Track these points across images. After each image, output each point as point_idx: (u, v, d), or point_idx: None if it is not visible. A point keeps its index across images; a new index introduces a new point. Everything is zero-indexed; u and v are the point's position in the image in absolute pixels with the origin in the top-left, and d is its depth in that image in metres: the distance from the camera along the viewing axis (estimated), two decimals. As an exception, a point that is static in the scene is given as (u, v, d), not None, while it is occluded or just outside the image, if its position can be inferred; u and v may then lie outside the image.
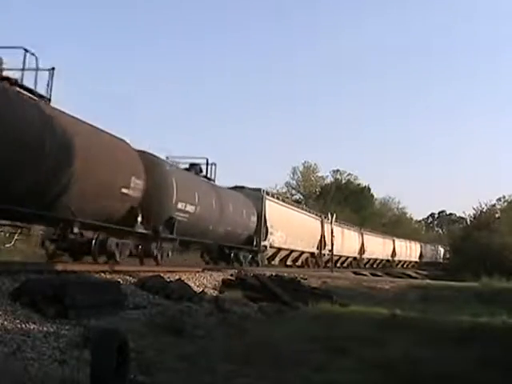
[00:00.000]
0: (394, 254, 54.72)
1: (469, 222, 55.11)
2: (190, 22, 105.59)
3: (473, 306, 15.43)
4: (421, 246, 65.94)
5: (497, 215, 51.42)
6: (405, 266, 59.14)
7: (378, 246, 50.26)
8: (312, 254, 34.43)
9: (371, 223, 58.30)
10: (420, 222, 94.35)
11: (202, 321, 9.71)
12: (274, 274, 18.16)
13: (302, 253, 32.48)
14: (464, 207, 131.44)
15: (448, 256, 68.70)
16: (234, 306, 11.95)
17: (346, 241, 40.45)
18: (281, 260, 29.58)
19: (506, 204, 55.24)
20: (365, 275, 32.67)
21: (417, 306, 15.35)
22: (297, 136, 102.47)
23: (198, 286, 13.42)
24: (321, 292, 17.00)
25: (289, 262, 30.73)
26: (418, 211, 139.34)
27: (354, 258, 44.37)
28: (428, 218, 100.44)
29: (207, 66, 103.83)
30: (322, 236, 36.03)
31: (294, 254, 31.39)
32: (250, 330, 9.32)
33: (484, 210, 50.29)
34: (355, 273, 34.01)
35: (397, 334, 9.30)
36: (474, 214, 51.75)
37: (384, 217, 73.13)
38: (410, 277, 41.65)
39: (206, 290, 13.36)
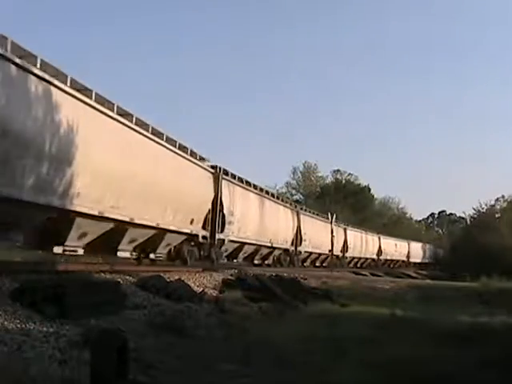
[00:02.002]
0: (345, 248, 41.22)
1: (469, 222, 55.20)
2: (190, 17, 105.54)
3: (473, 306, 15.43)
4: (379, 240, 51.78)
5: (497, 215, 51.46)
6: (358, 264, 45.85)
7: (322, 236, 34.65)
8: (192, 236, 17.94)
9: (371, 223, 58.28)
10: (420, 221, 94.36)
11: (202, 321, 9.72)
12: (273, 274, 18.19)
13: (154, 230, 15.27)
14: (464, 207, 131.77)
15: (431, 256, 64.70)
16: (234, 306, 11.95)
17: (271, 220, 25.09)
18: (88, 244, 12.89)
19: (505, 204, 55.20)
20: (365, 275, 32.73)
21: (417, 306, 15.35)
22: (297, 136, 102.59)
23: (198, 286, 13.42)
24: (321, 292, 17.01)
25: (124, 253, 14.69)
26: (418, 211, 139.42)
27: (286, 250, 28.66)
28: (428, 218, 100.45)
29: (207, 63, 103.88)
30: (216, 201, 19.48)
31: (135, 233, 14.39)
32: (250, 330, 9.32)
33: (484, 210, 50.37)
34: (355, 273, 34.06)
35: (397, 334, 9.30)
36: (474, 214, 51.88)
37: (384, 217, 73.11)
38: (410, 277, 41.72)
39: (206, 290, 13.36)
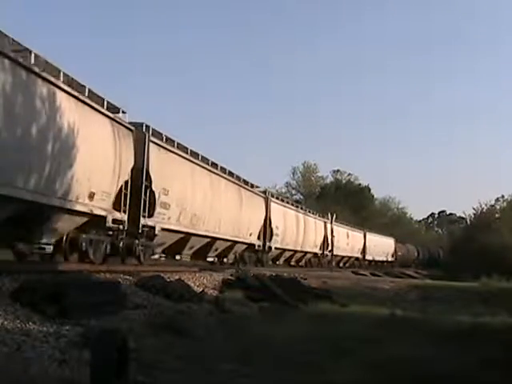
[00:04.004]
0: (268, 233, 26.03)
1: (469, 222, 55.13)
2: (190, 18, 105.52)
3: (473, 306, 15.42)
4: (325, 226, 36.13)
5: (497, 215, 51.42)
6: (293, 261, 31.64)
7: (247, 213, 22.97)
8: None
9: (371, 223, 58.21)
10: (420, 222, 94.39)
11: (202, 321, 9.71)
12: (273, 274, 18.19)
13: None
14: (464, 207, 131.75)
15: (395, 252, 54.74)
16: (234, 306, 11.95)
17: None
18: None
19: (505, 204, 55.18)
20: (365, 275, 32.73)
21: (417, 305, 15.37)
22: (297, 136, 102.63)
23: (198, 286, 13.41)
24: (321, 292, 17.00)
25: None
26: (418, 211, 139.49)
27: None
28: (428, 218, 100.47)
29: (208, 64, 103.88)
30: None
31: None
32: (250, 330, 9.31)
33: (484, 210, 50.31)
34: (355, 273, 34.04)
35: (397, 334, 9.30)
36: (474, 214, 51.80)
37: (384, 217, 73.10)
38: (410, 277, 41.66)
39: (206, 290, 13.35)
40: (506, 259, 35.93)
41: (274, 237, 26.92)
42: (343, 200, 60.99)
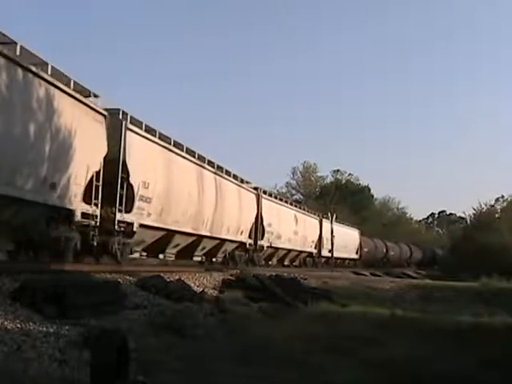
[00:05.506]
0: (126, 195, 13.31)
1: (469, 222, 55.11)
2: (192, 20, 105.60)
3: (473, 306, 15.42)
4: (259, 200, 24.37)
5: (497, 215, 51.39)
6: (196, 255, 19.04)
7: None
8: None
9: (371, 223, 58.11)
10: (420, 222, 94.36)
11: (202, 321, 9.71)
12: (273, 273, 18.19)
13: None
14: (464, 207, 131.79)
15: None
16: (234, 305, 11.94)
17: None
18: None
19: (505, 204, 55.17)
20: (365, 275, 32.74)
21: (417, 305, 15.36)
22: (297, 136, 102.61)
23: (198, 286, 13.41)
24: (321, 292, 16.99)
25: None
26: (418, 211, 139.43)
27: None
28: (428, 218, 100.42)
29: (209, 66, 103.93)
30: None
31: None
32: (250, 329, 9.31)
33: (484, 210, 50.27)
34: (355, 273, 34.03)
35: (397, 334, 9.30)
36: (474, 214, 51.76)
37: (384, 217, 73.08)
38: (410, 277, 41.63)
39: (206, 289, 13.35)
40: (506, 259, 35.91)
41: (137, 203, 13.76)
42: (343, 200, 60.97)
